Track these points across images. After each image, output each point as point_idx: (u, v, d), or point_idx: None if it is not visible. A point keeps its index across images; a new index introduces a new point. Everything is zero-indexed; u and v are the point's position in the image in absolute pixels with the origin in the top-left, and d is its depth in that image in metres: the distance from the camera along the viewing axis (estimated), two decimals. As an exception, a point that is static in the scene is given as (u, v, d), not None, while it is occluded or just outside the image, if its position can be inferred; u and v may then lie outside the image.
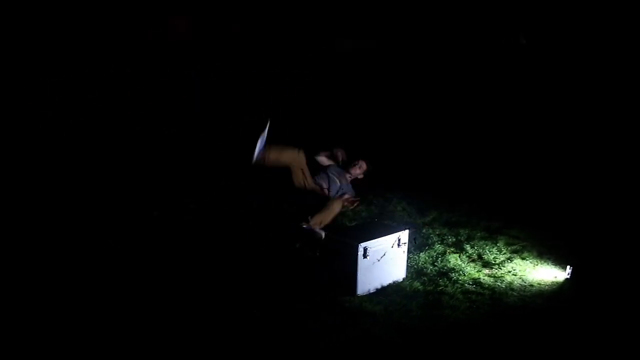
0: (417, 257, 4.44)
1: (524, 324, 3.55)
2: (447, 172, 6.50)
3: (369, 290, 3.93)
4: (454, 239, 4.83)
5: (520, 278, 4.17)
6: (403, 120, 7.68)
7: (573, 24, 7.01)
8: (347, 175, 5.38)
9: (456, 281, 4.09)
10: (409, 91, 7.91)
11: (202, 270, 4.16)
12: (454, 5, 7.88)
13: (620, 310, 3.71)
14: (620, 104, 6.46)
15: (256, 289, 3.89)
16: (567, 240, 4.78)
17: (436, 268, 4.30)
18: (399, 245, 4.06)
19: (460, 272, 4.23)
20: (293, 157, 4.92)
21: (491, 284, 4.08)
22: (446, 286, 4.01)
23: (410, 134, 7.43)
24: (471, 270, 4.27)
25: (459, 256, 4.52)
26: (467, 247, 4.66)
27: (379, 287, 3.98)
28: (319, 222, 4.63)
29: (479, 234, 4.95)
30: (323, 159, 5.47)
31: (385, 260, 3.99)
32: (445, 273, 4.21)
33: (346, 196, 5.16)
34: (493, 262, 4.43)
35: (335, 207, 4.83)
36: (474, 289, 4.00)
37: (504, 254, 4.57)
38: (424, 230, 4.99)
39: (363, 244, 3.83)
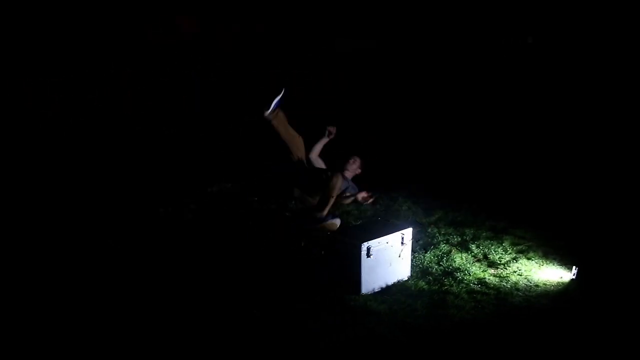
0: (422, 257, 4.42)
1: (529, 324, 3.52)
2: (453, 171, 6.49)
3: (374, 289, 3.90)
4: (460, 239, 4.81)
5: (525, 278, 4.13)
6: (409, 119, 7.67)
7: (579, 24, 7.00)
8: (346, 173, 5.38)
9: (461, 281, 4.06)
10: (412, 91, 7.89)
11: (202, 270, 4.14)
12: (456, 5, 7.87)
13: (626, 311, 3.68)
14: (626, 105, 6.43)
15: (256, 289, 3.87)
16: (573, 240, 4.75)
17: (441, 267, 4.27)
18: (402, 244, 4.03)
19: (466, 271, 4.20)
20: (293, 136, 4.98)
21: (496, 283, 4.05)
22: (451, 286, 3.98)
23: (417, 134, 7.42)
24: (476, 270, 4.24)
25: (465, 256, 4.49)
26: (473, 246, 4.63)
27: (384, 286, 3.95)
28: (325, 209, 4.66)
29: (484, 234, 4.92)
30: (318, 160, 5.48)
31: (390, 259, 3.96)
32: (451, 272, 4.18)
33: (362, 194, 5.17)
34: (498, 262, 4.40)
35: (333, 189, 4.81)
36: (479, 288, 3.97)
37: (510, 254, 4.53)
38: (429, 230, 4.97)
39: (366, 243, 3.80)
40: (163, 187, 5.73)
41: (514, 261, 4.41)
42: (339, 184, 4.83)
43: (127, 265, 4.19)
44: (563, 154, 6.46)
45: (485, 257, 4.49)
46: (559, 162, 6.36)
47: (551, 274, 4.20)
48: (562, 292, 3.95)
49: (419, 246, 4.56)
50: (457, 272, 4.18)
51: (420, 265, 4.29)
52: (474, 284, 4.03)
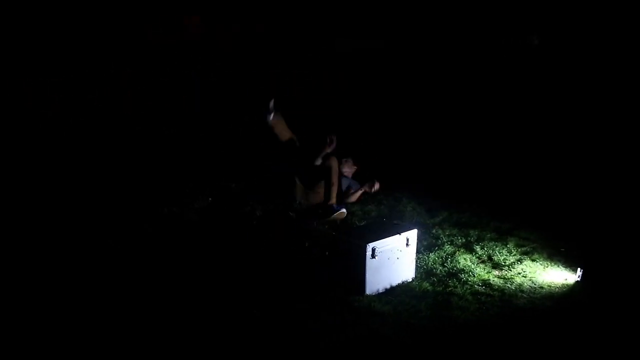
0: (426, 258, 4.40)
1: (533, 326, 3.50)
2: (458, 172, 6.47)
3: (378, 290, 3.89)
4: (464, 240, 4.79)
5: (530, 280, 4.12)
6: (413, 120, 7.66)
7: (584, 25, 6.98)
8: (345, 174, 5.69)
9: (466, 282, 4.04)
10: (416, 91, 7.88)
11: (202, 270, 4.12)
12: (458, 4, 7.86)
13: (632, 313, 3.66)
14: (634, 108, 6.42)
15: (257, 289, 3.85)
16: (578, 242, 4.72)
17: (446, 269, 4.25)
18: (407, 245, 4.02)
19: (470, 273, 4.18)
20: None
21: (501, 285, 4.03)
22: (455, 287, 3.97)
23: (421, 134, 7.41)
24: (481, 272, 4.22)
25: (469, 257, 4.47)
26: (477, 248, 4.62)
27: (388, 287, 3.94)
28: (333, 195, 5.06)
29: (489, 235, 4.90)
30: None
31: (394, 260, 3.94)
32: (455, 274, 4.17)
33: (366, 187, 5.64)
34: (503, 263, 4.38)
35: (332, 173, 5.14)
36: (483, 290, 3.95)
37: (514, 255, 4.52)
38: (433, 231, 4.95)
39: (371, 244, 3.78)
40: (164, 187, 5.71)
41: (519, 263, 4.39)
42: (335, 166, 5.16)
43: (127, 265, 4.17)
44: (568, 156, 6.44)
45: (490, 258, 4.47)
46: (565, 163, 6.34)
47: (556, 276, 4.18)
48: (567, 294, 3.93)
49: (423, 247, 4.54)
50: (461, 274, 4.16)
51: (425, 267, 4.27)
52: (479, 285, 4.02)
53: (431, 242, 4.71)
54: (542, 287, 4.01)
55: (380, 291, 3.89)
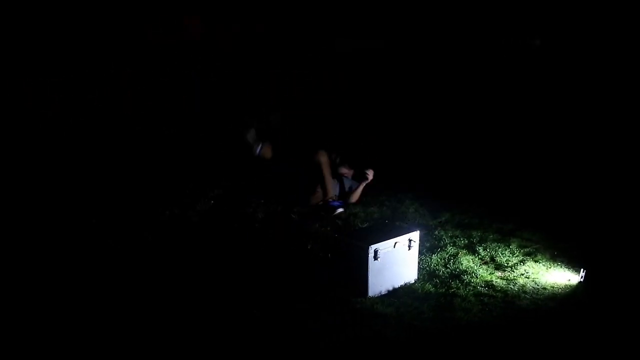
0: (429, 259, 4.38)
1: (536, 328, 3.49)
2: (460, 173, 6.47)
3: (380, 292, 3.87)
4: (467, 241, 4.77)
5: (533, 281, 4.10)
6: (415, 120, 7.65)
7: (585, 26, 6.98)
8: (344, 175, 5.75)
9: (468, 283, 4.03)
10: (417, 91, 7.87)
11: (202, 270, 4.12)
12: (459, 5, 7.85)
13: (635, 314, 3.65)
14: (635, 107, 6.42)
15: (257, 289, 3.85)
16: (581, 243, 4.71)
17: (448, 270, 4.24)
18: (409, 246, 4.00)
19: (473, 274, 4.17)
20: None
21: (504, 286, 4.02)
22: (458, 288, 3.95)
23: (423, 135, 7.41)
24: (483, 273, 4.21)
25: (472, 258, 4.46)
26: (480, 249, 4.60)
27: (391, 289, 3.92)
28: (330, 190, 5.15)
29: (491, 236, 4.89)
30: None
31: (397, 262, 3.93)
32: (458, 275, 4.15)
33: (362, 183, 5.65)
34: (506, 264, 4.37)
35: (322, 165, 5.24)
36: (486, 291, 3.94)
37: (517, 256, 4.50)
38: (436, 232, 4.94)
39: (374, 246, 3.77)
40: (165, 188, 5.70)
41: (522, 264, 4.37)
42: (324, 158, 5.10)
43: (127, 265, 4.17)
44: (571, 157, 6.44)
45: (493, 259, 4.46)
46: (567, 164, 6.34)
47: (559, 277, 4.17)
48: (570, 295, 3.92)
49: (426, 249, 4.53)
50: (464, 275, 4.15)
51: (427, 268, 4.26)
52: (481, 286, 4.00)
53: (434, 243, 4.70)
54: (545, 288, 4.00)
55: (383, 293, 3.87)
